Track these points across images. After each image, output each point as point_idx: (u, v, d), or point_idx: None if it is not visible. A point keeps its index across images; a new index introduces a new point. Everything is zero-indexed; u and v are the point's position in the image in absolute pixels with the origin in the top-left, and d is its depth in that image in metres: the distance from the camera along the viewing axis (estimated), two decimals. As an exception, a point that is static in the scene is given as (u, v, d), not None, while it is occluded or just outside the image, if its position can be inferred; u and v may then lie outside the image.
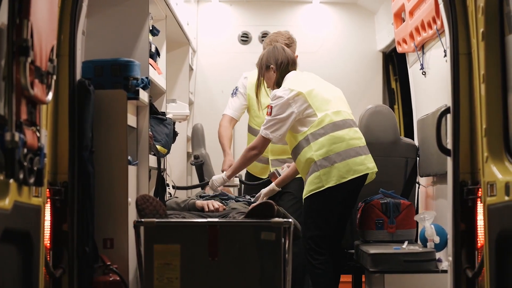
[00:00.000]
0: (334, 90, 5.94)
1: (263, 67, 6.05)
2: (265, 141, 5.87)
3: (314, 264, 5.73)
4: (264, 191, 6.18)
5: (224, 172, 6.16)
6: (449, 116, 4.75)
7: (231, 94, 6.84)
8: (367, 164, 5.75)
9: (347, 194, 5.76)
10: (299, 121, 5.73)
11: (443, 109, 4.84)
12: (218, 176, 6.18)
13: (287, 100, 5.72)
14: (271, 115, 5.77)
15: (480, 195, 4.38)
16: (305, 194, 5.72)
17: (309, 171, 5.70)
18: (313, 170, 5.66)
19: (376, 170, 5.81)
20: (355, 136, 5.78)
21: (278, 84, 5.97)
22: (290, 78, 5.91)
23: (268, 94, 6.43)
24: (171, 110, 6.85)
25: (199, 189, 7.14)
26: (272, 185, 6.18)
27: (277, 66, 5.97)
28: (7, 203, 3.44)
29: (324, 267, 5.72)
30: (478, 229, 4.51)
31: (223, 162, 6.61)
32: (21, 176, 3.46)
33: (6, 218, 3.43)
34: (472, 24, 4.40)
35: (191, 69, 8.52)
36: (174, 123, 6.36)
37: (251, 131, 6.80)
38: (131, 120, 5.43)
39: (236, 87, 6.82)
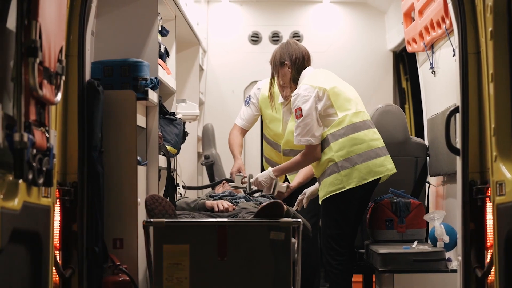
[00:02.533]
0: (352, 89, 5.88)
1: (277, 63, 5.96)
2: (312, 147, 5.67)
3: (333, 264, 5.70)
4: (309, 190, 6.12)
5: (270, 169, 5.98)
6: (458, 116, 4.74)
7: (244, 102, 6.79)
8: (387, 165, 5.72)
9: (364, 193, 5.75)
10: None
11: (452, 108, 4.83)
12: (264, 176, 5.96)
13: (314, 98, 5.61)
14: (302, 117, 5.62)
15: (489, 194, 4.37)
16: (324, 195, 5.65)
17: (325, 171, 5.65)
18: (333, 171, 5.61)
19: (395, 171, 5.78)
20: (375, 137, 5.74)
21: (294, 80, 5.88)
22: (309, 75, 5.82)
23: (279, 107, 6.39)
24: (181, 110, 6.86)
25: (209, 189, 7.15)
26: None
27: (292, 62, 5.87)
28: (16, 203, 3.46)
29: (342, 267, 5.69)
30: (488, 228, 4.50)
31: (232, 166, 6.57)
32: (30, 176, 3.48)
33: (15, 218, 3.45)
34: (480, 23, 4.39)
35: (201, 69, 8.53)
36: (184, 123, 6.36)
37: (265, 139, 6.76)
38: (141, 120, 5.44)
39: (249, 96, 6.73)
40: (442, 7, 5.58)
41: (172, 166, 6.00)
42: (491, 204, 4.26)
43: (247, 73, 8.89)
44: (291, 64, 5.88)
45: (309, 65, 5.93)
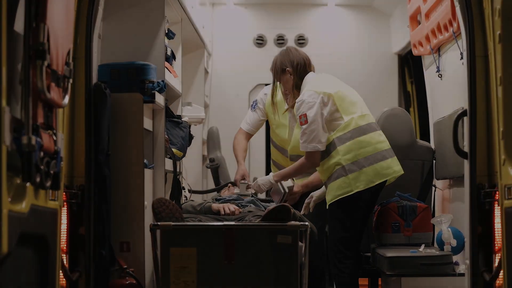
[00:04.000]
0: (354, 92, 5.85)
1: (278, 71, 5.91)
2: (316, 153, 5.66)
3: (340, 267, 5.67)
4: (316, 194, 6.09)
5: (271, 174, 5.98)
6: (465, 119, 4.73)
7: (250, 107, 6.77)
8: (394, 167, 5.70)
9: (371, 196, 5.73)
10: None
11: (459, 111, 4.82)
12: (264, 180, 5.95)
13: (319, 104, 5.58)
14: (307, 123, 5.58)
15: (497, 198, 4.36)
16: (332, 198, 5.62)
17: (332, 175, 5.63)
18: (340, 175, 5.58)
19: (402, 172, 5.76)
20: (381, 140, 5.72)
21: (297, 86, 5.84)
22: (312, 80, 5.79)
23: (284, 113, 6.37)
24: (187, 113, 6.85)
25: (215, 192, 7.14)
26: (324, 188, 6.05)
27: (294, 68, 5.83)
28: (24, 206, 3.45)
29: (349, 270, 5.67)
30: (496, 232, 4.48)
31: (236, 172, 6.55)
32: (38, 179, 3.47)
33: (23, 221, 3.44)
34: (488, 26, 4.38)
35: (206, 72, 8.53)
36: (189, 126, 6.35)
37: (273, 143, 6.74)
38: (147, 123, 5.43)
39: (255, 101, 6.70)
40: (449, 10, 5.57)
41: (178, 169, 5.99)
42: (499, 207, 4.25)
43: (252, 76, 8.89)
44: (292, 70, 5.84)
45: (310, 70, 5.89)
